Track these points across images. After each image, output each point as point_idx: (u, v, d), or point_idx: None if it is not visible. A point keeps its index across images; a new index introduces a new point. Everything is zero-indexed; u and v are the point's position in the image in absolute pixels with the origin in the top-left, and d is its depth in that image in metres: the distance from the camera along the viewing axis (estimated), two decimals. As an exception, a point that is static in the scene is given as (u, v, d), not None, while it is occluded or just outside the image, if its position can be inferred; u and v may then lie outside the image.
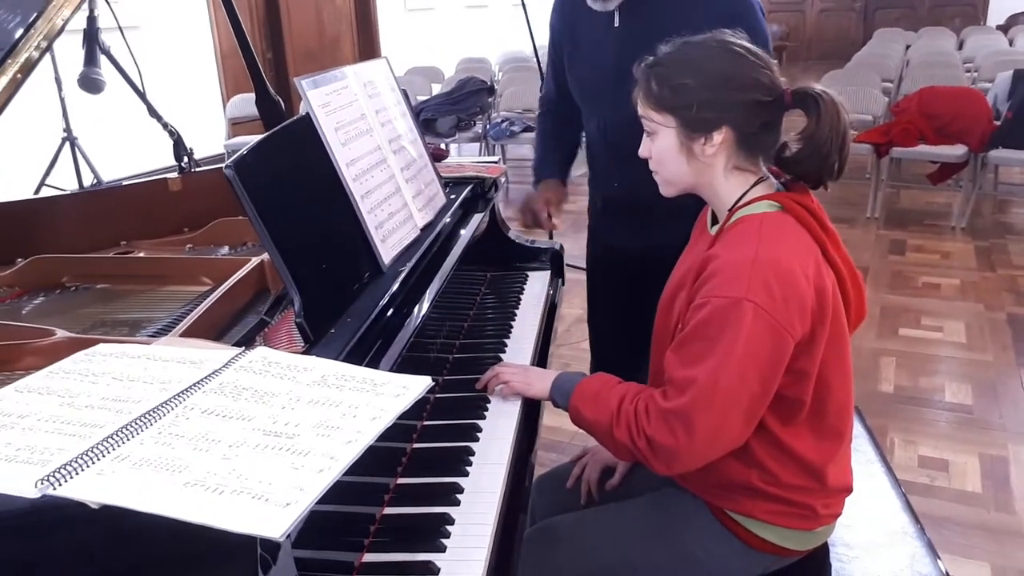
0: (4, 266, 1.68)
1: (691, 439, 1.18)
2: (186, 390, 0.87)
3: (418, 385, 0.90)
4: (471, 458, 1.26)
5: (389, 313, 1.24)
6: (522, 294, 1.93)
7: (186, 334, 1.24)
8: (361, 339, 1.10)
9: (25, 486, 0.70)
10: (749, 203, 1.28)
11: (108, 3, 1.66)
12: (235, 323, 1.37)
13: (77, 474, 0.71)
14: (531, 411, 1.45)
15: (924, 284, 4.00)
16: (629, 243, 1.90)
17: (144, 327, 1.45)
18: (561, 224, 2.03)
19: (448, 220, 1.65)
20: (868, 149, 4.89)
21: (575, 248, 2.18)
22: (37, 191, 5.01)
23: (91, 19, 1.80)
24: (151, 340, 1.15)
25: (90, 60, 1.81)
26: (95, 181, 5.15)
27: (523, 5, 3.56)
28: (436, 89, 6.92)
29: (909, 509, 1.58)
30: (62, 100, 4.97)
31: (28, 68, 1.44)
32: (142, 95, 1.88)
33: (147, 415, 0.82)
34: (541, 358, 1.69)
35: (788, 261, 1.19)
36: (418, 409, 1.40)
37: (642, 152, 1.34)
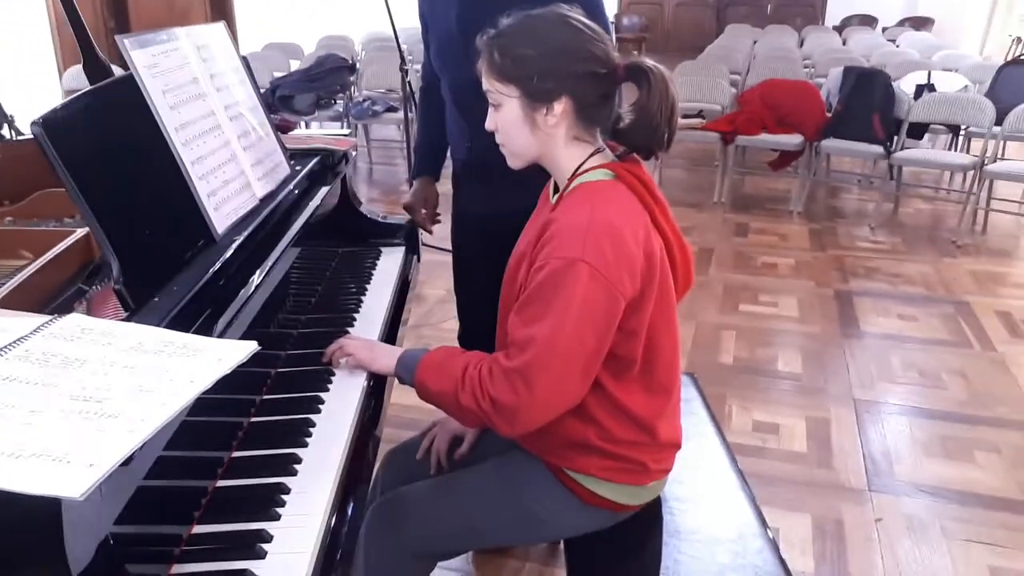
0: None
1: (532, 395, 1.22)
2: (-16, 358, 0.81)
3: (241, 350, 0.88)
4: (311, 430, 1.25)
5: (221, 282, 1.21)
6: (374, 270, 1.92)
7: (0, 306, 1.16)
8: (186, 307, 1.06)
9: None
10: (586, 172, 1.33)
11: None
12: (59, 296, 1.29)
13: None
14: (377, 385, 1.45)
15: (763, 264, 4.28)
16: (485, 210, 1.94)
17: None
18: (434, 226, 2.11)
19: (291, 191, 1.61)
20: (716, 137, 5.17)
21: (441, 229, 2.19)
22: None
23: None
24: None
25: None
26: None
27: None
28: (295, 66, 6.70)
29: (735, 465, 1.69)
30: None
31: None
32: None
33: (-65, 384, 0.76)
34: (391, 336, 1.69)
35: (620, 225, 1.25)
36: (258, 383, 1.37)
37: (488, 125, 1.37)
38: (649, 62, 1.30)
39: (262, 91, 5.45)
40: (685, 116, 5.41)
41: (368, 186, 5.87)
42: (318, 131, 2.08)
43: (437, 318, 3.52)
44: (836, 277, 4.09)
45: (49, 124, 0.94)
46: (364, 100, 5.83)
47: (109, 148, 1.09)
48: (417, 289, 3.85)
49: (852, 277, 4.10)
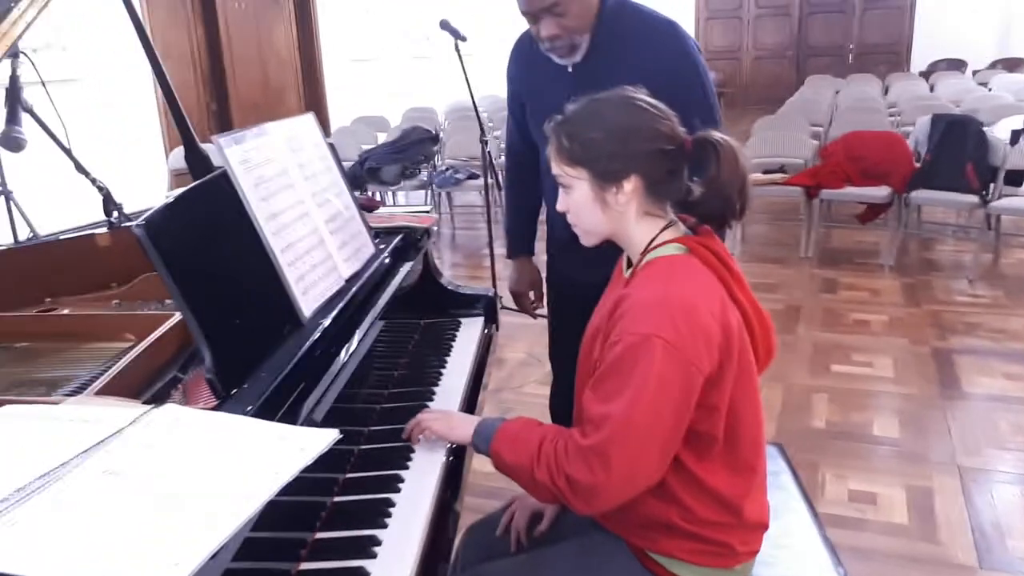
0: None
1: (608, 475, 1.21)
2: (87, 451, 0.87)
3: (323, 439, 0.91)
4: (391, 510, 1.27)
5: (308, 364, 1.26)
6: (454, 341, 1.96)
7: (103, 392, 1.24)
8: (275, 391, 1.11)
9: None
10: (658, 246, 1.34)
11: (31, 61, 1.66)
12: (159, 379, 1.36)
13: (-36, 540, 0.71)
14: (457, 456, 1.46)
15: (855, 321, 4.13)
16: (586, 277, 1.96)
17: (62, 386, 1.43)
18: (540, 307, 2.13)
19: (375, 269, 1.67)
20: (799, 191, 5.07)
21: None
22: (-30, 245, 4.90)
23: (13, 78, 1.80)
24: (63, 399, 1.14)
25: (12, 119, 1.80)
26: (31, 235, 5.05)
27: (459, 57, 3.64)
28: (382, 138, 6.98)
29: (828, 544, 1.62)
30: (-3, 156, 4.90)
31: None
32: (68, 151, 1.88)
33: (43, 478, 0.81)
34: (470, 405, 1.71)
35: (694, 299, 1.25)
36: (343, 461, 1.41)
37: (559, 207, 1.40)
38: (716, 135, 1.32)
39: (351, 163, 5.68)
40: (766, 171, 5.35)
41: (452, 251, 6.00)
42: (400, 209, 2.16)
43: (517, 381, 3.53)
44: (933, 334, 3.91)
45: (150, 226, 1.02)
46: (447, 169, 6.00)
47: (203, 242, 1.17)
48: (497, 352, 3.90)
49: (951, 334, 3.91)
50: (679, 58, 1.77)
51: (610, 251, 1.46)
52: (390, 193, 6.33)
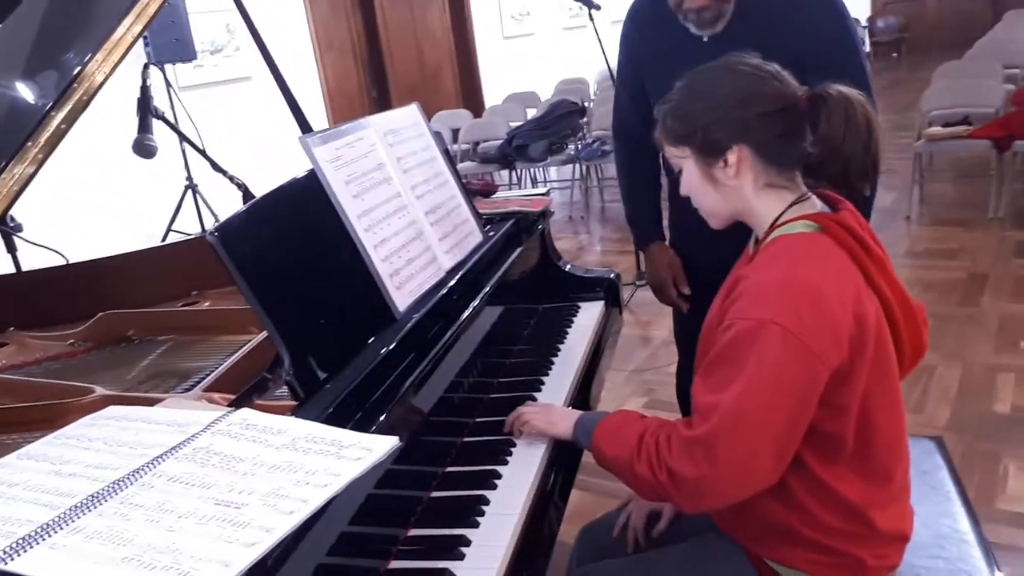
0: (85, 320, 1.82)
1: (714, 470, 1.12)
2: (159, 456, 0.90)
3: (382, 446, 0.89)
4: (485, 508, 1.24)
5: (399, 359, 1.25)
6: (569, 327, 1.90)
7: (211, 388, 1.30)
8: (356, 390, 1.11)
9: (-16, 559, 0.74)
10: (786, 223, 1.21)
11: (163, 72, 1.75)
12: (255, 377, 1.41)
13: (32, 548, 0.75)
14: (564, 451, 1.42)
15: (1053, 290, 3.65)
16: (704, 257, 1.86)
17: (192, 377, 1.52)
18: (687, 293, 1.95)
19: (479, 258, 1.64)
20: (987, 145, 4.52)
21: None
22: (165, 236, 5.43)
23: (144, 88, 1.93)
24: (168, 397, 1.20)
25: (143, 127, 1.93)
26: (216, 223, 5.50)
27: (593, 26, 3.53)
28: (531, 114, 6.97)
29: (988, 554, 1.42)
30: (183, 151, 5.35)
31: (93, 91, 1.43)
32: (203, 152, 1.99)
33: (115, 484, 0.85)
34: (582, 397, 1.65)
35: (821, 283, 1.12)
36: (444, 455, 1.40)
37: (682, 190, 1.32)
38: (833, 87, 1.17)
39: (499, 142, 5.70)
40: (947, 124, 4.81)
41: (601, 225, 5.91)
42: (516, 193, 2.11)
43: (663, 361, 3.41)
44: None
45: (225, 233, 1.04)
46: (594, 141, 5.89)
47: (284, 245, 1.18)
48: (643, 331, 3.78)
49: None
50: (831, 22, 1.65)
51: (737, 231, 1.35)
52: (540, 169, 6.32)
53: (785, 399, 1.10)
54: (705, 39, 1.69)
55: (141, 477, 0.86)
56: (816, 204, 1.24)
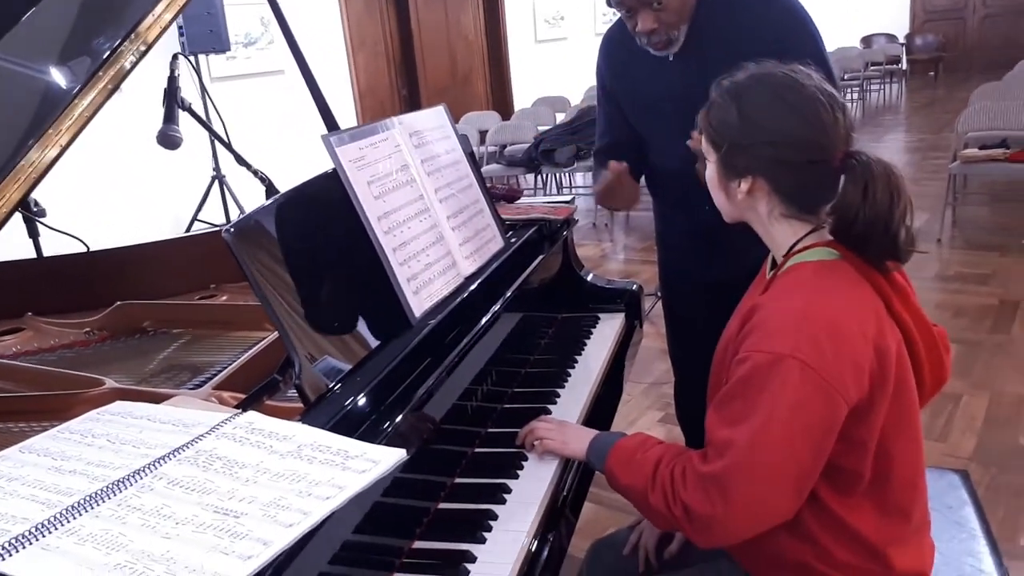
0: (102, 308, 1.81)
1: (728, 508, 1.08)
2: (162, 457, 0.88)
3: (388, 459, 0.87)
4: (492, 523, 1.21)
5: (412, 365, 1.22)
6: (588, 339, 1.86)
7: (222, 386, 1.28)
8: (367, 396, 1.08)
9: (-25, 558, 0.72)
10: (804, 249, 1.17)
11: (193, 65, 1.75)
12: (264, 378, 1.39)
13: (24, 548, 0.73)
14: (573, 470, 1.38)
15: (1088, 320, 3.55)
16: (696, 274, 1.89)
17: (206, 372, 1.51)
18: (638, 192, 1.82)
19: (499, 266, 1.61)
20: (1024, 169, 4.43)
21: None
22: (190, 226, 5.46)
23: (171, 79, 1.92)
24: (176, 393, 1.18)
25: (169, 118, 1.93)
26: (241, 214, 5.52)
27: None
28: (560, 119, 6.93)
29: (1014, 599, 1.37)
30: (211, 142, 5.38)
31: (120, 78, 1.41)
32: (227, 145, 1.98)
33: (115, 484, 0.83)
34: (595, 413, 1.61)
35: (842, 316, 1.08)
36: (454, 464, 1.37)
37: (703, 177, 1.29)
38: (870, 155, 1.11)
39: (527, 146, 5.66)
40: (983, 147, 4.71)
41: (625, 233, 5.86)
42: (540, 199, 2.08)
43: (682, 376, 3.36)
44: None
45: (240, 232, 1.02)
46: (621, 148, 5.84)
47: (300, 245, 1.16)
48: (663, 343, 3.71)
49: None
50: (783, 15, 1.64)
51: (728, 248, 1.32)
52: (566, 174, 6.28)
53: (803, 437, 1.06)
54: (670, 59, 1.69)
55: (141, 478, 0.84)
56: None
